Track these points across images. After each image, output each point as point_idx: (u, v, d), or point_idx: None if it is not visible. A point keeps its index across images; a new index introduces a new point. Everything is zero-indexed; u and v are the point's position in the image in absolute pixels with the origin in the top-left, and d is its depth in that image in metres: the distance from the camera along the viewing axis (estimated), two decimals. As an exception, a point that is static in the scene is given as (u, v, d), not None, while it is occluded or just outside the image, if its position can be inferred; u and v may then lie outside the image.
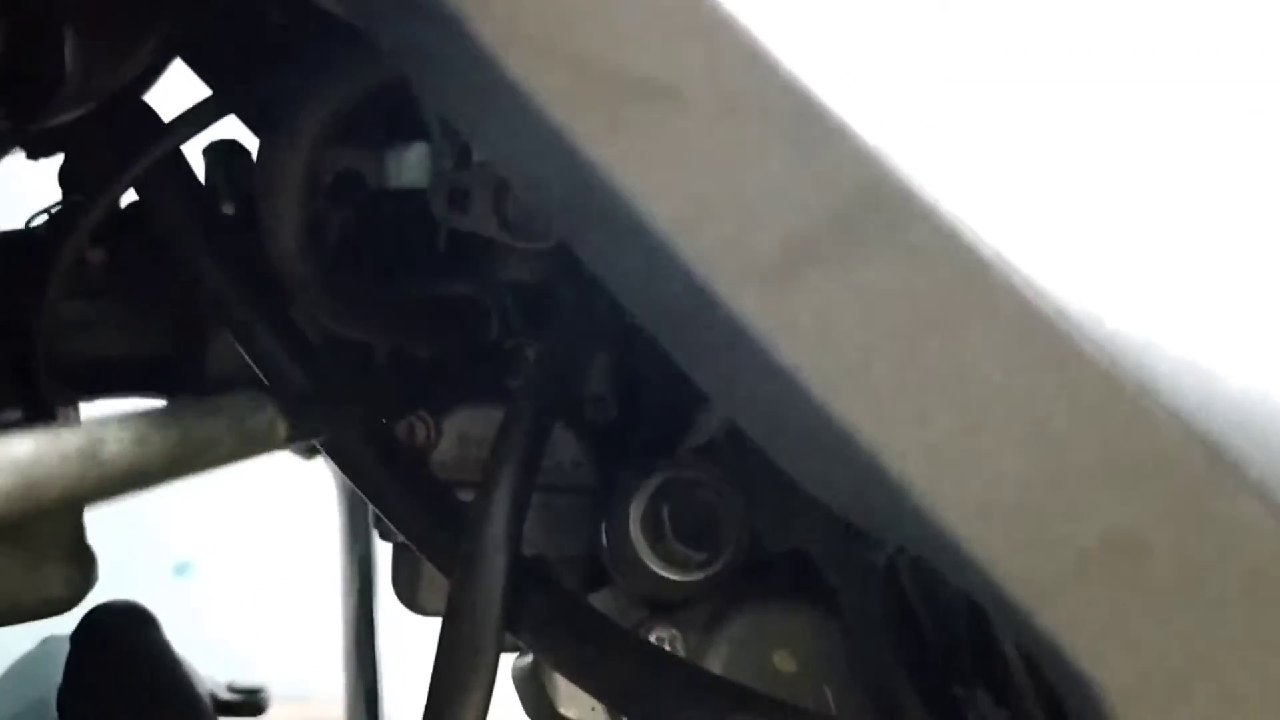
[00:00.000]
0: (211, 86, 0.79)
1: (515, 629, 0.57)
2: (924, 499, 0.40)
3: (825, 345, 0.39)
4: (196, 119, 0.68)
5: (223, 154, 0.83)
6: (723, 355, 0.42)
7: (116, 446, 0.36)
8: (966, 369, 0.39)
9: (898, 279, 0.38)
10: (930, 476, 0.40)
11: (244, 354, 0.68)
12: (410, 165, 0.89)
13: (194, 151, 0.80)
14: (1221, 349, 0.41)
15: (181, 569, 2.75)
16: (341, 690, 1.21)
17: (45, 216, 0.77)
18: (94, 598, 0.74)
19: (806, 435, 0.42)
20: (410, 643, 1.02)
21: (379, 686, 1.18)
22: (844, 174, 0.38)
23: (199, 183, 0.72)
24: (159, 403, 0.83)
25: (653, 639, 0.62)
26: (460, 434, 0.78)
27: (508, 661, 0.74)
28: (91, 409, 0.81)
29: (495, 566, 0.56)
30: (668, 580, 0.62)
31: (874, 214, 0.38)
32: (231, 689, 1.11)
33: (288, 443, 0.63)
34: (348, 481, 1.17)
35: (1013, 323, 0.38)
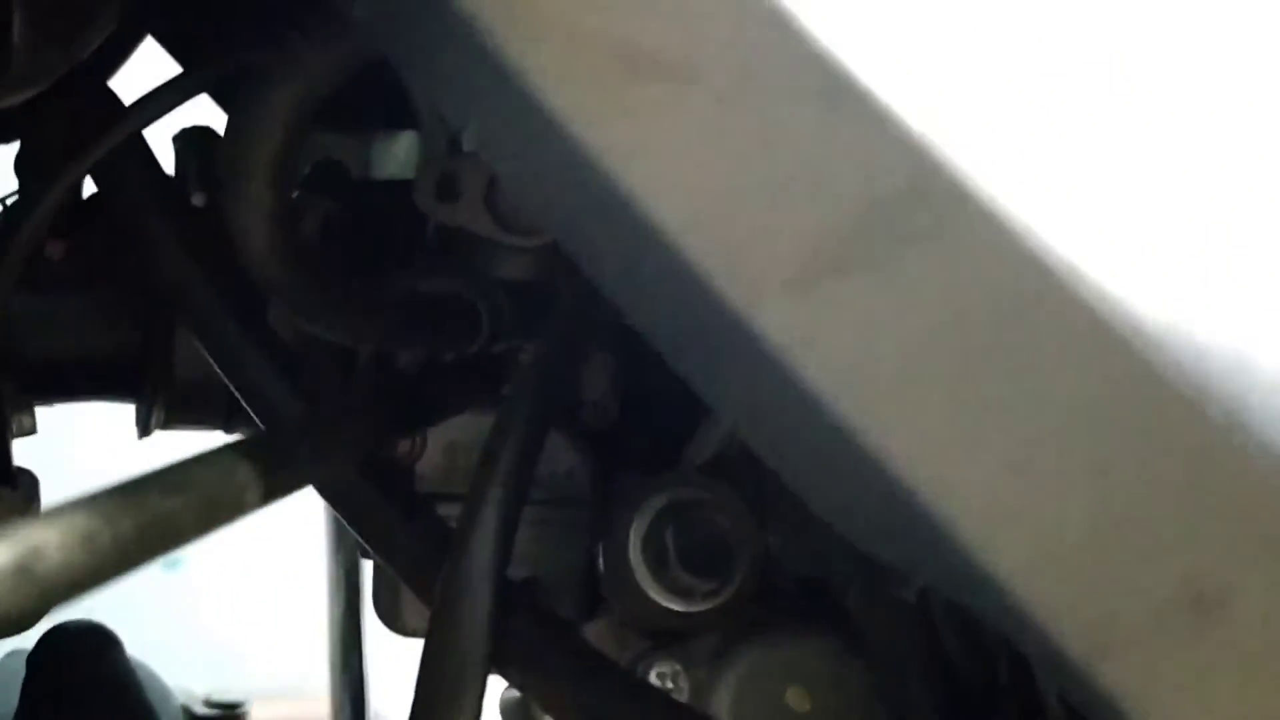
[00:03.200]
0: (182, 65, 0.73)
1: (501, 664, 0.51)
2: (973, 542, 0.34)
3: (858, 365, 0.34)
4: (159, 101, 0.62)
5: (194, 142, 0.78)
6: (737, 374, 0.37)
7: (59, 554, 0.31)
8: (1025, 393, 0.33)
9: (945, 288, 0.33)
10: (981, 517, 0.34)
11: (212, 362, 0.62)
12: (397, 155, 0.83)
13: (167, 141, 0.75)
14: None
15: (171, 562, 2.72)
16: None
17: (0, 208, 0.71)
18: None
19: (833, 466, 0.36)
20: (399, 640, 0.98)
21: (365, 685, 1.13)
22: (883, 164, 0.33)
23: (162, 169, 0.67)
24: (121, 406, 0.78)
25: (654, 675, 0.57)
26: (447, 443, 0.73)
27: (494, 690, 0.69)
28: (50, 413, 0.75)
29: (480, 595, 0.51)
30: (671, 611, 0.56)
31: (918, 210, 0.33)
32: (209, 704, 1.06)
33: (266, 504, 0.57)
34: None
35: (1081, 339, 0.33)
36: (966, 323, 0.33)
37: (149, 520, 0.35)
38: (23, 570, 0.30)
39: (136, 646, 0.82)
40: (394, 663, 0.97)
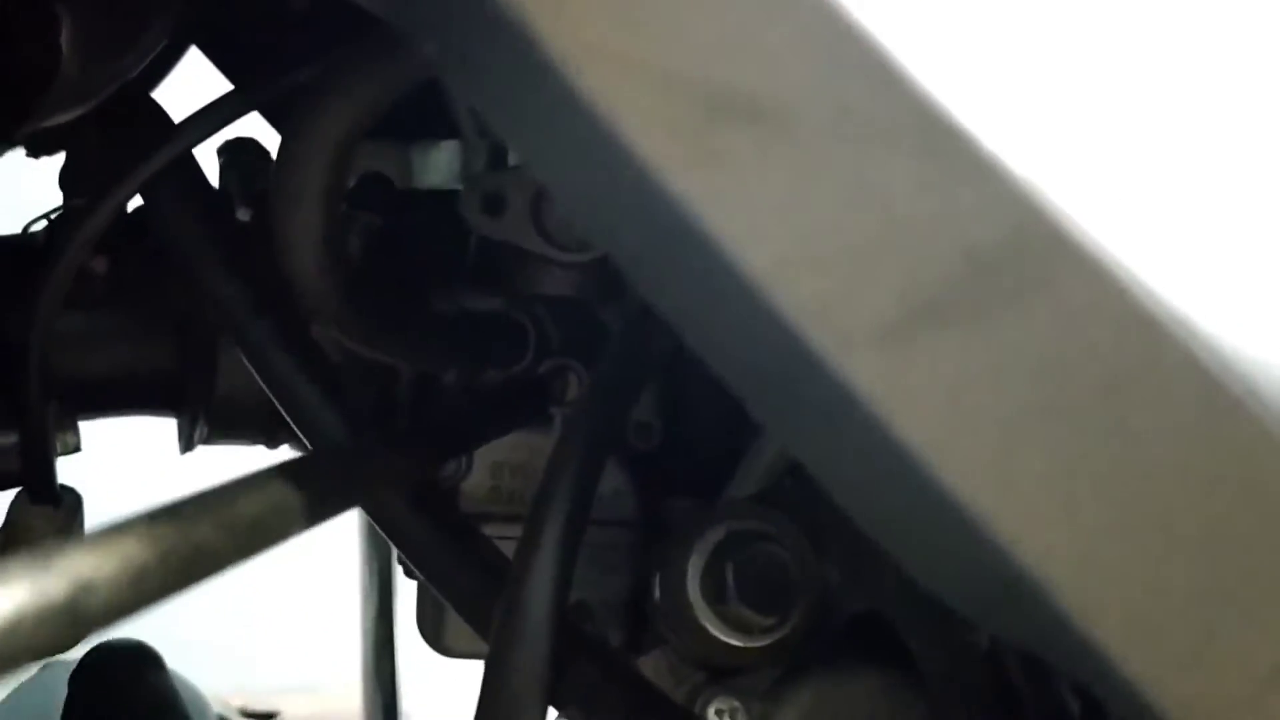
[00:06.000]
0: (230, 80, 0.72)
1: (560, 703, 0.50)
2: (1070, 605, 0.33)
3: (955, 420, 0.33)
4: (210, 119, 0.61)
5: (239, 154, 0.77)
6: (825, 425, 0.35)
7: (107, 589, 0.30)
8: (1129, 455, 0.32)
9: (1047, 343, 0.32)
10: (1079, 580, 0.33)
11: (259, 379, 0.62)
12: (439, 165, 0.82)
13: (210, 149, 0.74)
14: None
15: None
16: (357, 681, 1.16)
17: (44, 222, 0.70)
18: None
19: (924, 520, 0.35)
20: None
21: (397, 690, 1.13)
22: (985, 213, 0.31)
23: (210, 187, 0.66)
24: (166, 420, 0.77)
25: (712, 711, 0.55)
26: (493, 463, 0.72)
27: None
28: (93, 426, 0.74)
29: (538, 634, 0.50)
30: (730, 646, 0.55)
31: (1020, 262, 0.31)
32: (244, 713, 1.06)
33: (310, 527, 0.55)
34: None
35: (1190, 401, 0.31)
36: (1070, 384, 0.32)
37: (195, 547, 0.34)
38: (72, 607, 0.29)
39: (163, 642, 0.81)
40: (425, 664, 0.97)
